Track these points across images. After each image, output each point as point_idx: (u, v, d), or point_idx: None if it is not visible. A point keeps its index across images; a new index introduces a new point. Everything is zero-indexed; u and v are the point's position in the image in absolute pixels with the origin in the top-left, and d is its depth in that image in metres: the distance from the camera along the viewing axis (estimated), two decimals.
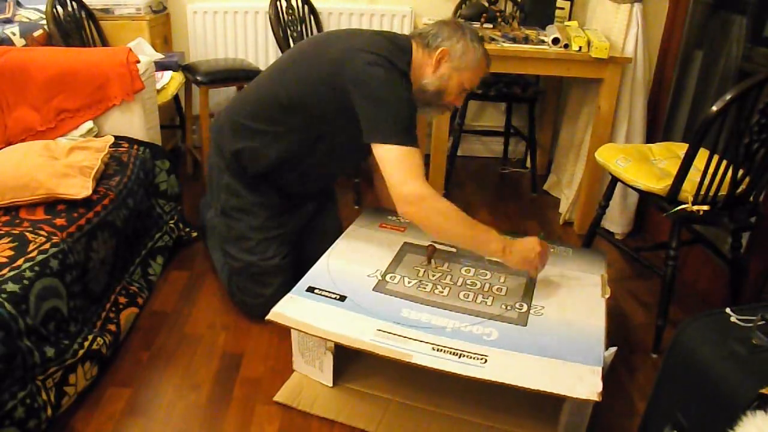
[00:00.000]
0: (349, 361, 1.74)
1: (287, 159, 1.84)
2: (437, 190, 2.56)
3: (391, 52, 1.68)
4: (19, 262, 1.51)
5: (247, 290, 1.95)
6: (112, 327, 1.79)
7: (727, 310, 1.30)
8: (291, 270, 1.92)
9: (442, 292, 1.72)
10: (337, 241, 1.94)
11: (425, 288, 1.73)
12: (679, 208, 1.79)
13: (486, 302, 1.69)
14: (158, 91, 2.57)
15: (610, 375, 1.68)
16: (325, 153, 1.85)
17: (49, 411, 1.46)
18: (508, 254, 1.68)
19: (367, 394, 1.67)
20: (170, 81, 2.71)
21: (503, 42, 2.43)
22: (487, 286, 1.77)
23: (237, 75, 2.79)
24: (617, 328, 2.03)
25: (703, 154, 1.79)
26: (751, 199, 1.84)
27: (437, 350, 1.48)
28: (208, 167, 2.04)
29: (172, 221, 2.34)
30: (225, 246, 1.99)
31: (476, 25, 2.72)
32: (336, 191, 2.25)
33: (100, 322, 1.77)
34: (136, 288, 2.01)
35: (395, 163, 1.60)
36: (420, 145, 1.65)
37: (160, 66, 2.72)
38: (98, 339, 1.68)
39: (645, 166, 1.96)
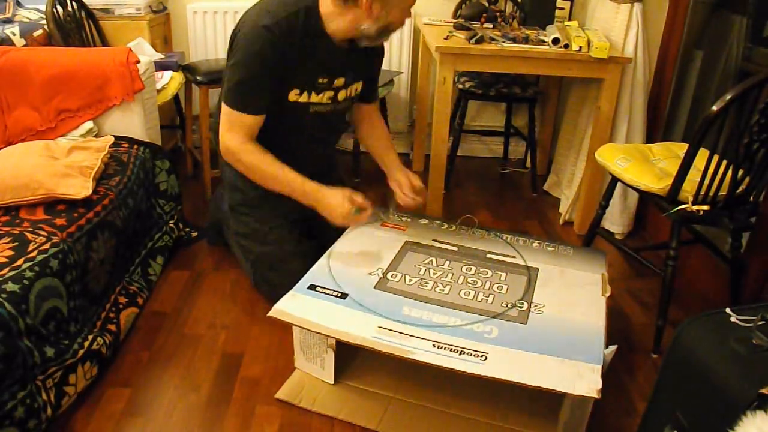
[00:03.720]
0: (350, 359, 1.74)
1: (264, 138, 1.87)
2: (437, 190, 2.60)
3: (277, 9, 1.75)
4: (19, 262, 1.51)
5: (271, 280, 1.98)
6: (112, 327, 1.79)
7: (727, 310, 1.30)
8: (311, 253, 1.92)
9: (443, 290, 1.72)
10: (338, 239, 1.95)
11: (426, 286, 1.74)
12: (679, 208, 1.79)
13: (487, 300, 1.69)
14: (158, 91, 2.57)
15: (609, 375, 1.68)
16: (291, 128, 1.89)
17: (49, 411, 1.46)
18: (316, 205, 1.85)
19: (368, 392, 1.67)
20: (170, 81, 2.71)
21: (503, 42, 2.43)
22: (488, 284, 1.77)
23: None
24: (617, 328, 2.03)
25: (703, 154, 1.79)
26: (751, 199, 1.84)
27: (438, 347, 1.48)
28: (219, 165, 2.10)
29: (172, 221, 2.34)
30: (240, 240, 2.03)
31: (476, 25, 2.72)
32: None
33: (100, 322, 1.77)
34: (136, 288, 2.01)
35: (223, 119, 1.82)
36: (260, 113, 1.81)
37: (160, 66, 2.72)
38: (98, 339, 1.68)
39: (645, 166, 1.97)
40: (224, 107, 1.81)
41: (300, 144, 1.95)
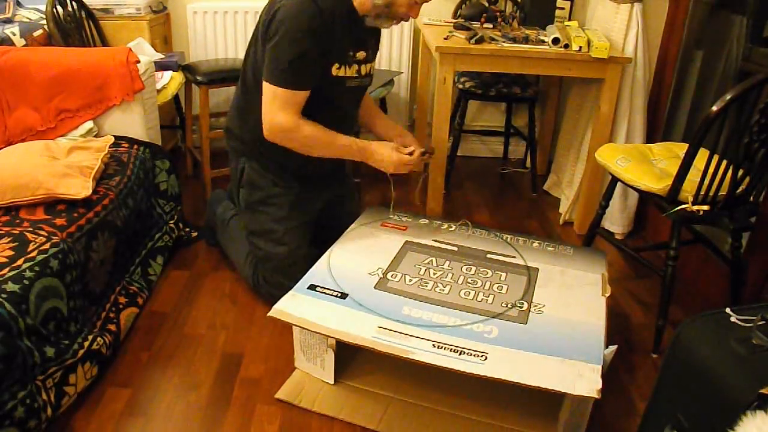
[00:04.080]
0: (350, 359, 1.74)
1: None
2: (437, 190, 2.60)
3: None
4: (19, 262, 1.51)
5: (276, 282, 1.97)
6: (112, 327, 1.79)
7: (727, 310, 1.30)
8: (317, 259, 1.92)
9: (443, 290, 1.72)
10: (338, 239, 1.95)
11: (426, 286, 1.74)
12: (679, 208, 1.79)
13: (487, 300, 1.69)
14: (158, 91, 2.57)
15: (609, 375, 1.68)
16: (328, 105, 1.89)
17: (49, 411, 1.46)
18: (367, 159, 1.92)
19: (368, 392, 1.67)
20: (170, 81, 2.71)
21: (503, 42, 2.43)
22: (488, 284, 1.77)
23: (237, 75, 2.76)
24: (617, 328, 2.04)
25: (703, 154, 1.79)
26: (751, 199, 1.84)
27: (438, 347, 1.48)
28: (231, 169, 2.10)
29: (172, 221, 2.34)
30: (252, 239, 2.03)
31: (476, 25, 2.72)
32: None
33: (100, 322, 1.77)
34: (136, 288, 2.01)
35: (272, 100, 1.80)
36: (310, 88, 1.81)
37: (160, 66, 2.72)
38: (98, 339, 1.68)
39: (645, 166, 1.97)
40: (273, 89, 1.78)
41: (334, 121, 1.93)
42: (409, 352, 1.46)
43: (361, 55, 1.92)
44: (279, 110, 1.79)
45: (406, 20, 1.93)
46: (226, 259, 2.29)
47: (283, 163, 1.96)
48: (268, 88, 1.79)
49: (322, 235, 2.05)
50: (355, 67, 1.91)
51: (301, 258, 1.96)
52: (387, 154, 1.91)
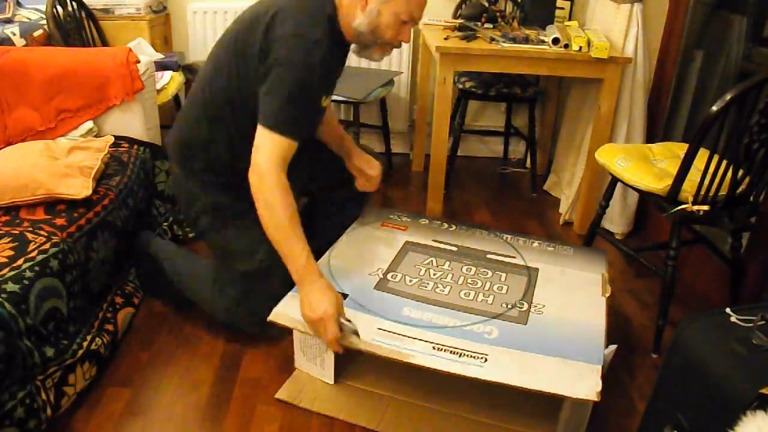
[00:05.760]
0: (350, 359, 1.74)
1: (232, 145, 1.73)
2: (437, 190, 2.60)
3: (312, 19, 1.57)
4: (19, 262, 1.51)
5: (260, 293, 1.73)
6: (110, 327, 1.79)
7: (727, 310, 1.30)
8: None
9: (444, 291, 1.72)
10: (338, 239, 1.95)
11: (426, 286, 1.74)
12: (679, 208, 1.79)
13: (487, 301, 1.69)
14: (158, 91, 2.57)
15: (609, 375, 1.68)
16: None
17: (49, 411, 1.46)
18: (300, 286, 1.57)
19: (368, 392, 1.67)
20: (170, 81, 2.71)
21: (503, 42, 2.43)
22: (488, 284, 1.77)
23: None
24: (617, 328, 2.03)
25: (703, 154, 1.79)
26: (751, 199, 1.84)
27: (438, 349, 1.48)
28: (183, 198, 1.86)
29: (165, 223, 2.32)
30: (229, 263, 1.77)
31: (477, 25, 2.72)
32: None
33: (97, 322, 1.76)
34: (132, 288, 2.01)
35: (267, 145, 1.55)
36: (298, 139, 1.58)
37: (160, 66, 2.72)
38: (96, 339, 1.68)
39: (645, 166, 1.97)
40: (274, 137, 1.54)
41: (306, 147, 1.68)
42: (409, 356, 1.46)
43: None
44: (278, 161, 1.54)
45: (398, 46, 1.70)
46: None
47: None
48: (267, 135, 1.55)
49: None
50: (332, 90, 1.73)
51: (278, 261, 1.61)
52: (317, 300, 1.51)
